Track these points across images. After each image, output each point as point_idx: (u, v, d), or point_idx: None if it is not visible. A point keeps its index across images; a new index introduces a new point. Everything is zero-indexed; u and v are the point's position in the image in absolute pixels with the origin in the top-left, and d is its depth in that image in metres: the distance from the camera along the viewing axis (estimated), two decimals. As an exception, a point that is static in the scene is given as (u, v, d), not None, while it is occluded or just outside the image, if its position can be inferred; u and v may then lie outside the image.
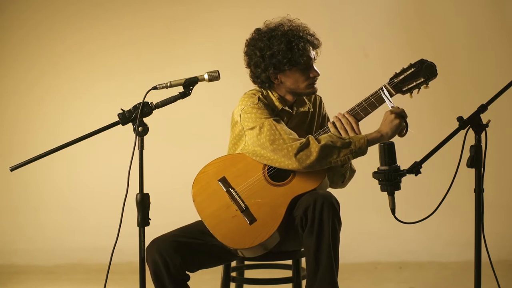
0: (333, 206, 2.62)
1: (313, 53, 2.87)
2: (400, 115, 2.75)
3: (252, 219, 2.72)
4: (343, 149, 2.68)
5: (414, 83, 2.78)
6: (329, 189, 2.94)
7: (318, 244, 2.62)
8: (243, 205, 2.75)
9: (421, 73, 2.77)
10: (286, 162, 2.69)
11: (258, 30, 2.89)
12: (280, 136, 2.71)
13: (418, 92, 2.81)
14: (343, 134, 2.77)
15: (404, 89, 2.79)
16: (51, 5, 5.55)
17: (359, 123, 2.80)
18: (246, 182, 2.79)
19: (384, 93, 2.79)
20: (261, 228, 2.70)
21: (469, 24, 5.37)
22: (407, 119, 2.78)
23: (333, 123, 2.81)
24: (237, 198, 2.77)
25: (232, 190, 2.79)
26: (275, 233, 2.70)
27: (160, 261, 2.67)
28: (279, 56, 2.79)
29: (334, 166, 2.83)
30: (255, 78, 2.91)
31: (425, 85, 2.79)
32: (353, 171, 3.01)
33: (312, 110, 3.00)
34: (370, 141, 2.72)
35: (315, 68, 2.87)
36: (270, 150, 2.71)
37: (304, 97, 2.98)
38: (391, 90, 2.79)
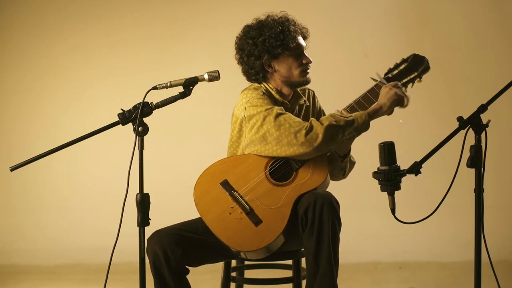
0: (333, 206, 2.62)
1: (303, 41, 2.92)
2: (395, 86, 2.77)
3: (257, 221, 2.71)
4: (347, 127, 2.69)
5: (408, 78, 2.81)
6: (331, 182, 2.94)
7: (318, 244, 2.61)
8: (247, 207, 2.73)
9: (414, 67, 2.79)
10: (293, 148, 2.67)
11: (247, 25, 2.95)
12: (286, 122, 2.70)
13: (412, 87, 2.83)
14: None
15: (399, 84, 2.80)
16: (51, 5, 5.54)
17: None
18: (249, 184, 2.78)
19: (379, 81, 2.80)
20: (268, 230, 2.68)
21: (469, 24, 5.37)
22: (408, 94, 2.79)
23: None
24: (241, 201, 2.75)
25: (235, 193, 2.77)
26: (281, 234, 2.69)
27: (160, 252, 2.67)
28: (272, 39, 2.83)
29: (335, 162, 2.88)
30: (249, 69, 2.92)
31: (418, 79, 2.81)
32: (352, 163, 3.02)
33: (308, 104, 3.02)
34: (371, 115, 2.74)
35: (307, 55, 2.91)
36: (274, 137, 2.70)
37: (299, 91, 2.99)
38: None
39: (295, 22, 2.91)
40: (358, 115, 2.72)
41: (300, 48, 2.89)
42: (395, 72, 2.81)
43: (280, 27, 2.85)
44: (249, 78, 2.97)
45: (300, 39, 2.90)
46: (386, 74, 2.83)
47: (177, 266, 2.69)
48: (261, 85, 2.93)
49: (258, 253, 2.73)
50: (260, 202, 2.73)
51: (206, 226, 2.75)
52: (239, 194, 2.76)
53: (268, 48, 2.84)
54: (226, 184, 2.79)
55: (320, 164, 2.77)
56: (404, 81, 2.80)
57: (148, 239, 2.70)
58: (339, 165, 2.92)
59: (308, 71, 2.91)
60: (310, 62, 2.91)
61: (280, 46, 2.84)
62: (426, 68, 2.79)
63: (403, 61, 2.81)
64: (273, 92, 2.90)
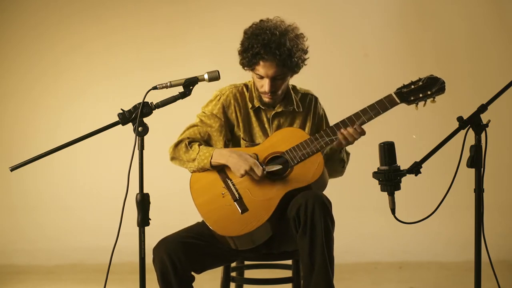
0: (325, 205, 2.63)
1: (276, 70, 2.83)
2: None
3: (244, 209, 2.75)
4: (188, 163, 2.93)
5: (421, 95, 2.78)
6: (332, 182, 2.94)
7: (311, 244, 2.62)
8: (237, 194, 2.79)
9: (428, 87, 2.78)
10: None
11: (246, 28, 2.92)
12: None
13: (424, 105, 2.81)
14: (344, 144, 2.79)
15: (410, 99, 2.79)
16: (51, 5, 5.54)
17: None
18: None
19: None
20: (252, 218, 2.72)
21: (469, 24, 5.37)
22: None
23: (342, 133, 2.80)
24: (232, 188, 2.81)
25: (228, 181, 2.84)
26: (266, 224, 2.71)
27: (167, 261, 2.68)
28: (250, 51, 2.83)
29: (334, 156, 2.93)
30: (240, 64, 2.96)
31: (431, 99, 2.79)
32: (348, 154, 3.05)
33: (299, 110, 3.00)
34: (213, 164, 2.85)
35: (269, 83, 2.85)
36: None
37: (294, 96, 2.99)
38: (396, 99, 2.79)
39: (285, 44, 2.79)
40: (203, 157, 2.84)
41: (260, 74, 2.86)
42: (409, 88, 2.79)
43: (259, 46, 2.80)
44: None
45: (270, 65, 2.81)
46: (399, 89, 2.81)
47: (184, 274, 2.71)
48: (248, 83, 3.00)
49: (243, 240, 2.74)
50: (250, 193, 2.79)
51: (209, 231, 2.77)
52: (232, 182, 2.82)
53: (246, 59, 2.87)
54: (222, 172, 2.86)
55: (315, 163, 2.80)
56: (416, 97, 2.79)
57: (154, 249, 2.73)
58: (338, 157, 2.95)
59: (268, 96, 2.90)
60: (267, 92, 2.87)
61: (251, 63, 2.85)
62: (440, 89, 2.78)
63: (419, 80, 2.80)
64: (254, 95, 2.96)
